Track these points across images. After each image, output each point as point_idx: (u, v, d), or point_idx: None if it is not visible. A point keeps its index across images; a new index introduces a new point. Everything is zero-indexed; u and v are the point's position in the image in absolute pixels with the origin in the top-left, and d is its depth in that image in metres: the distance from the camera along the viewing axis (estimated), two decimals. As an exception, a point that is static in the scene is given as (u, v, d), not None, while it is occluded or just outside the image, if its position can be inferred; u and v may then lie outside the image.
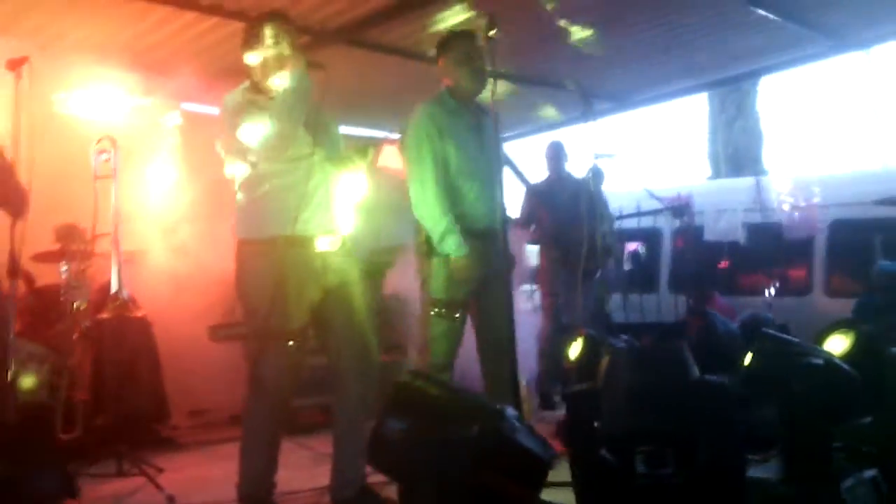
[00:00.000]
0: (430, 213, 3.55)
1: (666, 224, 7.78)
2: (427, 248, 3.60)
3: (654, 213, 6.87)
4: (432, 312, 3.59)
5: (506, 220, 3.57)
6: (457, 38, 3.74)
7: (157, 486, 3.55)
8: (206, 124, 5.87)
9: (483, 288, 3.65)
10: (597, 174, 6.05)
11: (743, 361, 2.86)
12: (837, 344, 3.04)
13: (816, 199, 7.04)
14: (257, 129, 3.06)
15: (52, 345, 4.23)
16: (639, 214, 6.94)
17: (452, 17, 5.29)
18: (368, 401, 3.29)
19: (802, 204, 7.00)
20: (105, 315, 4.02)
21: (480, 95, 3.75)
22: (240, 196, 3.23)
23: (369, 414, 3.18)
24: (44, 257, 4.24)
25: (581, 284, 5.14)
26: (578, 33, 5.60)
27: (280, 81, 3.12)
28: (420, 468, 1.71)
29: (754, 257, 7.22)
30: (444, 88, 3.71)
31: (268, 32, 3.14)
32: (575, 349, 4.42)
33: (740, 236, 7.29)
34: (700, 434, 2.19)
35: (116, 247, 3.83)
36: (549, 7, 5.20)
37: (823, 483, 2.32)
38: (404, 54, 5.84)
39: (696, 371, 2.30)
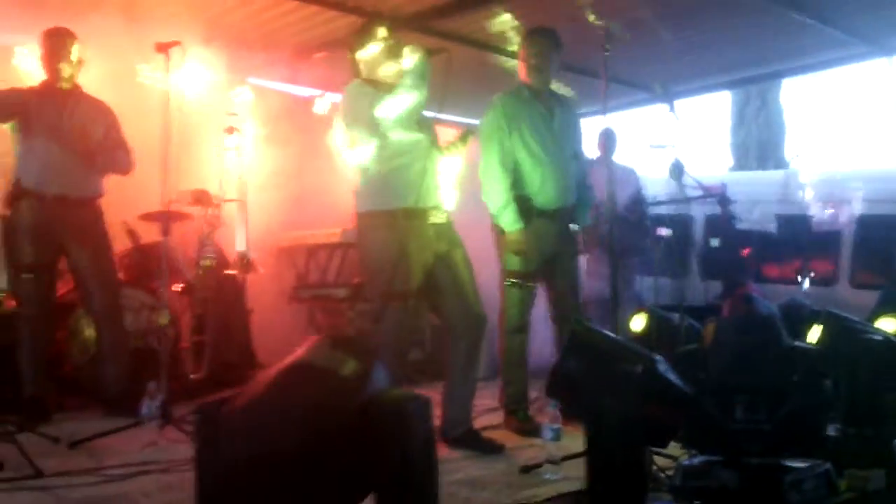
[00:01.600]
0: (491, 192, 4.11)
1: (698, 211, 8.20)
2: (500, 226, 4.10)
3: (698, 199, 7.27)
4: (506, 282, 4.09)
5: (582, 202, 4.15)
6: (530, 35, 4.20)
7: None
8: (269, 98, 6.33)
9: (552, 263, 4.18)
10: (609, 136, 6.45)
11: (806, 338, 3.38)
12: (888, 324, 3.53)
13: (845, 194, 7.48)
14: (397, 102, 3.50)
15: (156, 296, 4.68)
16: (683, 201, 7.33)
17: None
18: (475, 353, 3.77)
19: (831, 198, 7.43)
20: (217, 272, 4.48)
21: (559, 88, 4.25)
22: (362, 175, 3.66)
23: (476, 364, 3.78)
24: (148, 217, 4.67)
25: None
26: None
27: (395, 68, 3.56)
28: (597, 400, 2.16)
29: (784, 247, 7.66)
30: (519, 82, 4.17)
31: (380, 32, 3.59)
32: (638, 322, 4.94)
33: (772, 226, 7.71)
34: (788, 389, 2.67)
35: (244, 211, 4.28)
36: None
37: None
38: (477, 45, 6.20)
39: (787, 338, 2.77)
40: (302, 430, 1.50)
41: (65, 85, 4.21)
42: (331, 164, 5.71)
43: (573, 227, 4.35)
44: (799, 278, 6.66)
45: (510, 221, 4.05)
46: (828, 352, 3.09)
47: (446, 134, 4.06)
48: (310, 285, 5.81)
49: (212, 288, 4.51)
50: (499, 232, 4.17)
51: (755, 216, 7.84)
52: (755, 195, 7.93)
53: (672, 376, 2.22)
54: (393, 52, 3.59)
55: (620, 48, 5.21)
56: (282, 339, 5.63)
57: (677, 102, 8.77)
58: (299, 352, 1.74)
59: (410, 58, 3.54)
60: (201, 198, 4.44)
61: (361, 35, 3.69)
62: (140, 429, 3.74)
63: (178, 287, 4.69)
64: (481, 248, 4.20)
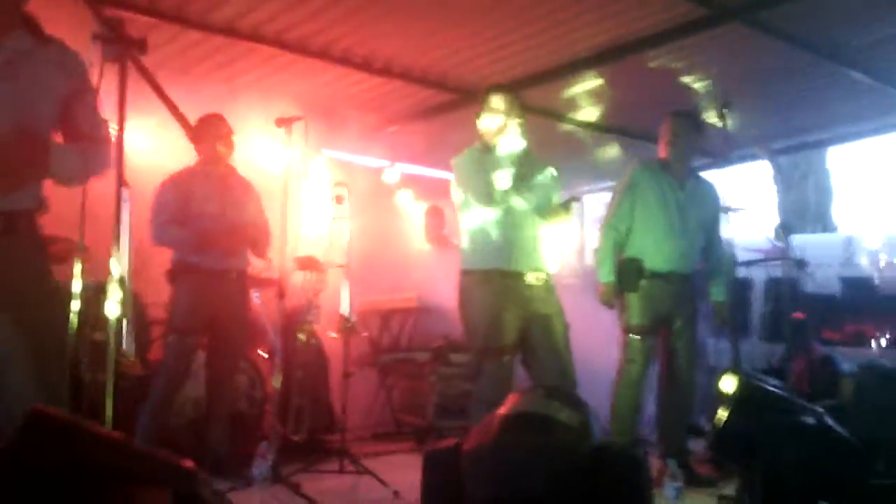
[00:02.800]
0: (598, 247, 4.52)
1: (758, 274, 8.30)
2: (618, 285, 4.30)
3: (777, 259, 7.35)
4: (628, 336, 4.36)
5: (716, 276, 4.38)
6: (672, 116, 4.47)
7: (382, 482, 4.08)
8: (340, 168, 6.56)
9: (668, 324, 4.31)
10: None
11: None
12: None
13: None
14: (505, 175, 3.69)
15: (250, 361, 4.82)
16: (765, 260, 7.40)
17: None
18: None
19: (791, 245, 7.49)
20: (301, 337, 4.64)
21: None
22: (466, 236, 3.84)
23: None
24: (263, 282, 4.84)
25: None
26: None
27: (506, 142, 3.76)
28: (775, 453, 2.23)
29: (848, 310, 7.71)
30: (657, 157, 4.58)
31: (496, 102, 3.79)
32: (729, 384, 4.99)
33: (836, 289, 7.78)
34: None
35: (348, 276, 4.46)
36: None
37: None
38: (549, 115, 6.44)
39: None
40: (544, 474, 1.60)
41: (222, 167, 4.50)
42: (402, 232, 5.93)
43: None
44: (872, 341, 6.70)
45: (604, 273, 4.40)
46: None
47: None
48: (387, 349, 5.92)
49: (311, 351, 4.65)
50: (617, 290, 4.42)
51: (818, 279, 7.91)
52: (817, 258, 8.01)
53: (840, 429, 2.30)
54: (496, 112, 3.79)
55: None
56: (355, 403, 5.77)
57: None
58: (515, 401, 1.84)
59: (512, 137, 3.74)
60: (309, 264, 4.61)
61: (482, 102, 3.89)
62: (252, 489, 3.83)
63: (263, 353, 4.85)
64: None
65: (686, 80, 5.92)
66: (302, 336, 4.64)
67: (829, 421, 2.30)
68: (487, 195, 3.71)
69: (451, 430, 5.66)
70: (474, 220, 3.79)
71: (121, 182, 2.03)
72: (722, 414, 2.47)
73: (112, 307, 1.97)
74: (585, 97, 6.36)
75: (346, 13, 4.67)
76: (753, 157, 8.37)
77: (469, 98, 6.20)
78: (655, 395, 6.05)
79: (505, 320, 3.72)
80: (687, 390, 4.49)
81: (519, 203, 3.77)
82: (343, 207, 4.60)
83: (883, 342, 6.72)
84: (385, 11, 4.71)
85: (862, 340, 7.04)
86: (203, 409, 4.57)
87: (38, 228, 2.40)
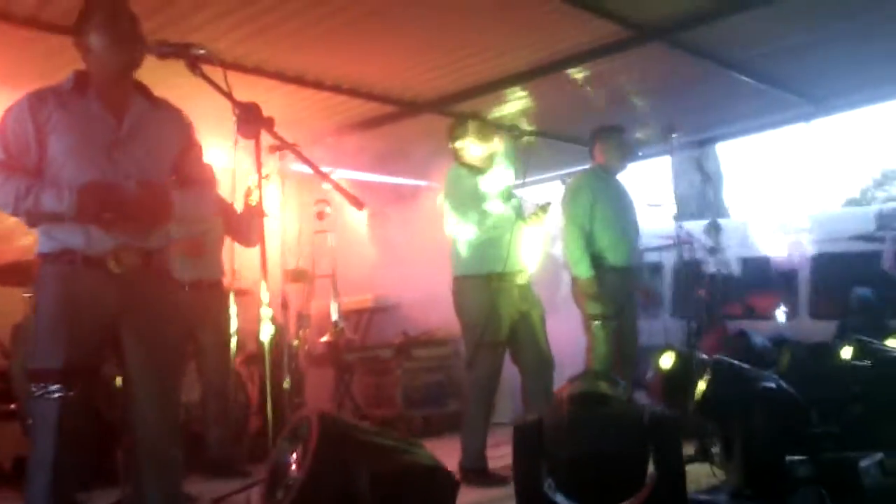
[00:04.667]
0: (571, 247, 5.09)
1: (667, 257, 9.20)
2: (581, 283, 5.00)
3: (686, 244, 8.19)
4: (594, 323, 5.01)
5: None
6: (611, 131, 5.16)
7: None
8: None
9: (621, 312, 5.02)
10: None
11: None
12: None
13: (800, 236, 8.60)
14: (494, 179, 4.43)
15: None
16: (676, 245, 8.23)
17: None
18: (550, 391, 4.52)
19: (789, 240, 8.53)
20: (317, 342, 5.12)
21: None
22: (460, 245, 4.43)
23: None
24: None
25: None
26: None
27: (487, 153, 4.38)
28: (747, 414, 2.90)
29: (748, 287, 8.69)
30: (597, 164, 5.09)
31: (483, 130, 4.41)
32: (667, 359, 5.77)
33: (735, 269, 8.74)
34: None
35: (335, 285, 4.97)
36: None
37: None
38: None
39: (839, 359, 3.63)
40: (611, 436, 2.22)
41: None
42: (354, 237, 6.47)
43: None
44: (777, 314, 7.66)
45: (584, 269, 5.03)
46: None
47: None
48: (346, 349, 6.42)
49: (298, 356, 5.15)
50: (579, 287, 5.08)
51: (719, 259, 8.87)
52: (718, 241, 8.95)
53: (793, 391, 3.01)
54: (484, 140, 4.39)
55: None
56: (316, 401, 6.27)
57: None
58: (575, 384, 2.45)
59: (500, 143, 4.35)
60: (300, 276, 5.09)
61: (456, 128, 4.47)
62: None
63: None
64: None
65: (607, 92, 6.69)
66: (296, 342, 5.11)
67: (785, 385, 3.00)
68: (481, 220, 4.33)
69: (420, 417, 6.24)
70: (464, 230, 4.38)
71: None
72: (700, 385, 3.14)
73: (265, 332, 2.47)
74: (517, 107, 7.05)
75: (287, 33, 5.03)
76: (658, 153, 9.30)
77: (407, 110, 6.82)
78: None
79: (500, 318, 4.33)
80: (633, 366, 5.21)
81: (506, 212, 4.38)
82: (324, 223, 5.09)
83: (782, 315, 7.68)
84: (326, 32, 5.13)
85: (761, 314, 8.00)
86: (195, 413, 4.96)
87: (168, 263, 2.91)
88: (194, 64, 2.53)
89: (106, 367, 4.61)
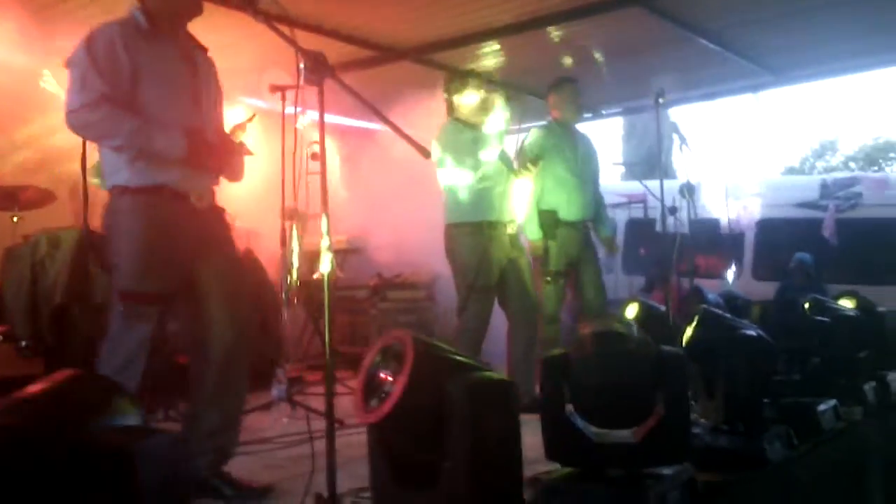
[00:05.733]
0: (524, 203, 5.26)
1: (621, 216, 9.62)
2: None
3: (638, 202, 8.61)
4: (544, 279, 5.24)
5: (600, 217, 5.37)
6: (564, 83, 5.38)
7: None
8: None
9: (577, 265, 5.33)
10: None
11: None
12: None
13: (747, 201, 9.10)
14: (494, 144, 4.62)
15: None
16: (629, 203, 8.64)
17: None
18: (534, 334, 4.85)
19: (736, 204, 9.02)
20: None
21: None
22: (454, 194, 4.68)
23: (535, 343, 4.81)
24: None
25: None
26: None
27: (493, 120, 4.62)
28: (730, 359, 3.25)
29: (697, 248, 9.18)
30: (552, 118, 5.34)
31: (477, 83, 4.64)
32: (632, 310, 6.16)
33: (685, 230, 9.20)
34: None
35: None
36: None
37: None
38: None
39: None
40: (636, 369, 2.55)
41: None
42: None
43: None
44: (728, 273, 8.16)
45: (534, 230, 5.25)
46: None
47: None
48: (319, 287, 6.65)
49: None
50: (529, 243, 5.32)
51: (671, 220, 9.32)
52: (669, 202, 9.39)
53: (768, 337, 3.38)
54: (486, 103, 4.63)
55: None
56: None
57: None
58: (595, 324, 2.78)
59: (498, 106, 4.60)
60: (293, 214, 5.29)
61: (459, 81, 4.70)
62: (272, 410, 4.61)
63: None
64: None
65: (577, 51, 6.99)
66: (291, 278, 5.34)
67: (762, 332, 3.38)
68: (476, 169, 4.57)
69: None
70: (458, 180, 4.63)
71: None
72: (688, 330, 3.50)
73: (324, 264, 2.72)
74: (492, 61, 7.30)
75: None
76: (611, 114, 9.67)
77: (386, 56, 7.00)
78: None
79: (491, 264, 4.62)
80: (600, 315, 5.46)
81: (497, 164, 4.66)
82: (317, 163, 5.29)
83: (731, 274, 8.19)
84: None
85: (710, 274, 8.49)
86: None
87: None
88: (259, 12, 2.70)
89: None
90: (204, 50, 3.20)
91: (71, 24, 5.33)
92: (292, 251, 5.44)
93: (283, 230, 5.05)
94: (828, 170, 21.85)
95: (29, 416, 1.35)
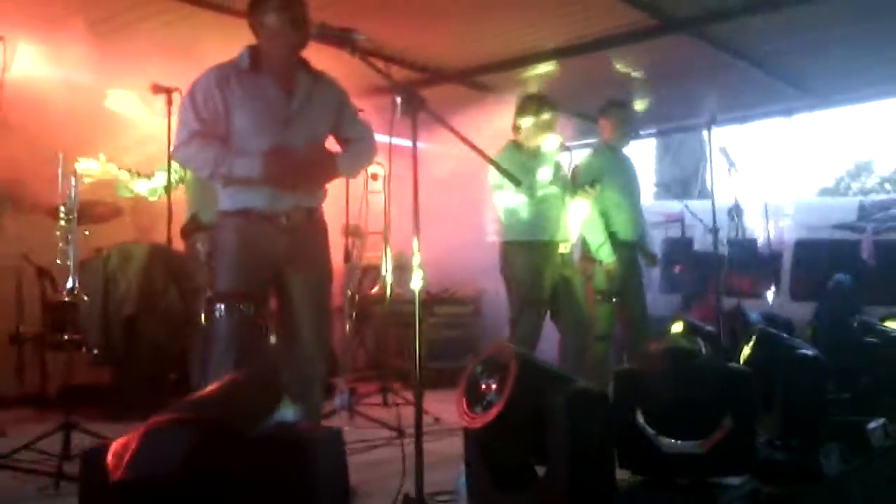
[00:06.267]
0: (592, 232, 5.44)
1: (658, 235, 9.78)
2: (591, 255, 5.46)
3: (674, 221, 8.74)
4: (597, 298, 5.41)
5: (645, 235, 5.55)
6: (614, 107, 5.58)
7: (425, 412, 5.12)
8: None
9: (627, 284, 5.51)
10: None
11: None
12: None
13: (784, 222, 9.22)
14: (548, 171, 4.84)
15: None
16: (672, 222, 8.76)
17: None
18: (583, 351, 5.04)
19: (774, 225, 9.14)
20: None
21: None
22: (509, 213, 4.89)
23: (584, 359, 5.00)
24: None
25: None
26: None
27: (549, 142, 4.83)
28: (788, 379, 3.41)
29: (737, 268, 9.31)
30: (604, 141, 5.63)
31: (539, 107, 4.84)
32: (677, 327, 6.31)
33: (724, 249, 9.33)
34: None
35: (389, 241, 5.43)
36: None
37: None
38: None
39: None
40: (701, 386, 2.74)
41: None
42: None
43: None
44: (768, 293, 8.30)
45: (607, 254, 5.43)
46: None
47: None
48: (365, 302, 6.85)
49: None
50: (587, 259, 5.49)
51: (708, 240, 9.46)
52: (707, 222, 9.53)
53: (823, 358, 3.54)
54: (544, 125, 4.84)
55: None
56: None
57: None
58: (667, 341, 2.97)
59: (555, 128, 4.81)
60: (354, 232, 5.53)
61: (520, 106, 4.91)
62: (335, 417, 4.82)
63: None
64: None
65: (627, 74, 7.17)
66: (349, 292, 5.57)
67: (818, 352, 3.53)
68: (531, 194, 4.79)
69: (438, 370, 6.71)
70: (513, 201, 4.84)
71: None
72: (746, 349, 3.66)
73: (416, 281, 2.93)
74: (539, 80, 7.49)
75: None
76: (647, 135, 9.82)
77: (437, 77, 7.23)
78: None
79: (543, 280, 4.83)
80: (644, 338, 5.64)
81: (553, 187, 4.86)
82: (377, 183, 5.54)
83: (771, 295, 8.32)
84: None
85: (745, 293, 8.63)
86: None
87: (323, 214, 3.51)
88: (356, 48, 2.92)
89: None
90: (316, 74, 3.47)
91: (131, 40, 5.64)
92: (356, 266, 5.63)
93: (346, 246, 5.23)
94: (863, 191, 21.92)
95: (213, 412, 1.55)
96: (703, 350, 2.88)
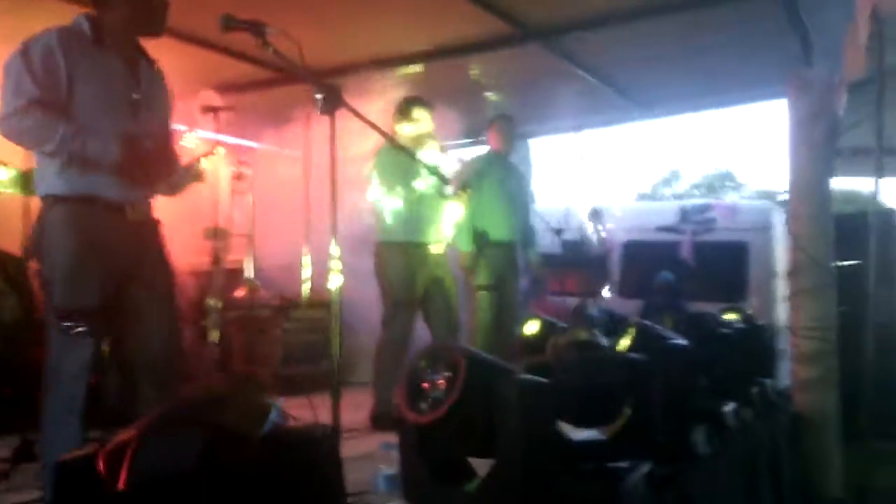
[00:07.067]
0: (459, 224, 5.62)
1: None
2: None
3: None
4: (478, 291, 5.67)
5: (529, 240, 5.76)
6: (501, 118, 5.80)
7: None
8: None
9: (501, 282, 5.72)
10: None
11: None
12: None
13: (613, 224, 9.78)
14: (427, 180, 4.92)
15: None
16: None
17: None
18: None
19: (604, 227, 9.66)
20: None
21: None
22: (382, 215, 4.93)
23: None
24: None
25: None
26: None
27: (428, 151, 4.91)
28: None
29: (568, 266, 9.76)
30: (491, 148, 5.76)
31: (418, 113, 4.91)
32: (532, 326, 6.55)
33: (557, 249, 9.78)
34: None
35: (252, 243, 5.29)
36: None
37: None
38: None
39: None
40: (605, 375, 2.90)
41: None
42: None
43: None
44: (603, 291, 8.75)
45: (466, 242, 5.69)
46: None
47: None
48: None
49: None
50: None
51: (545, 241, 9.87)
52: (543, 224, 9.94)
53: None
54: (416, 121, 4.92)
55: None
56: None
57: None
58: (568, 334, 3.10)
59: (428, 124, 4.89)
60: (217, 233, 5.33)
61: (402, 108, 4.95)
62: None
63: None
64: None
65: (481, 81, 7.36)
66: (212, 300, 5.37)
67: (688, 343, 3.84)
68: (407, 196, 4.86)
69: (294, 375, 6.62)
70: (389, 202, 4.88)
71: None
72: (623, 341, 3.87)
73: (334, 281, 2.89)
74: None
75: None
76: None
77: (290, 77, 7.10)
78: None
79: (416, 281, 4.90)
80: (511, 335, 5.88)
81: (429, 189, 4.93)
82: (243, 184, 5.40)
83: (606, 292, 8.80)
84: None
85: (575, 291, 9.09)
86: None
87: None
88: (268, 42, 2.85)
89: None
90: (152, 61, 3.28)
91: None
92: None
93: (214, 248, 5.06)
94: (676, 196, 23.61)
95: (214, 413, 1.49)
96: (602, 339, 3.04)
